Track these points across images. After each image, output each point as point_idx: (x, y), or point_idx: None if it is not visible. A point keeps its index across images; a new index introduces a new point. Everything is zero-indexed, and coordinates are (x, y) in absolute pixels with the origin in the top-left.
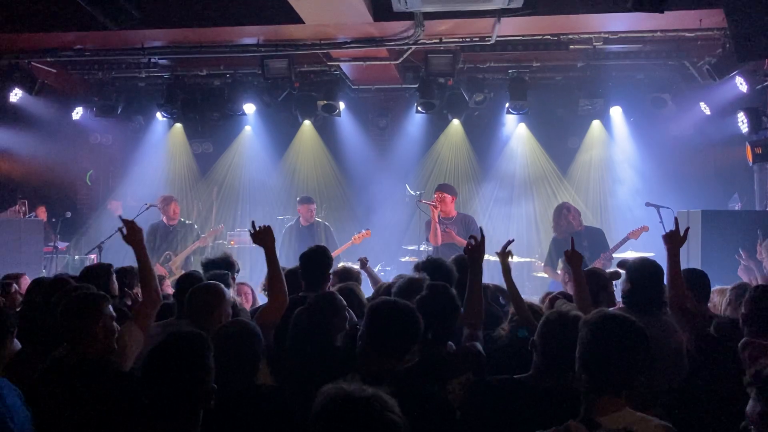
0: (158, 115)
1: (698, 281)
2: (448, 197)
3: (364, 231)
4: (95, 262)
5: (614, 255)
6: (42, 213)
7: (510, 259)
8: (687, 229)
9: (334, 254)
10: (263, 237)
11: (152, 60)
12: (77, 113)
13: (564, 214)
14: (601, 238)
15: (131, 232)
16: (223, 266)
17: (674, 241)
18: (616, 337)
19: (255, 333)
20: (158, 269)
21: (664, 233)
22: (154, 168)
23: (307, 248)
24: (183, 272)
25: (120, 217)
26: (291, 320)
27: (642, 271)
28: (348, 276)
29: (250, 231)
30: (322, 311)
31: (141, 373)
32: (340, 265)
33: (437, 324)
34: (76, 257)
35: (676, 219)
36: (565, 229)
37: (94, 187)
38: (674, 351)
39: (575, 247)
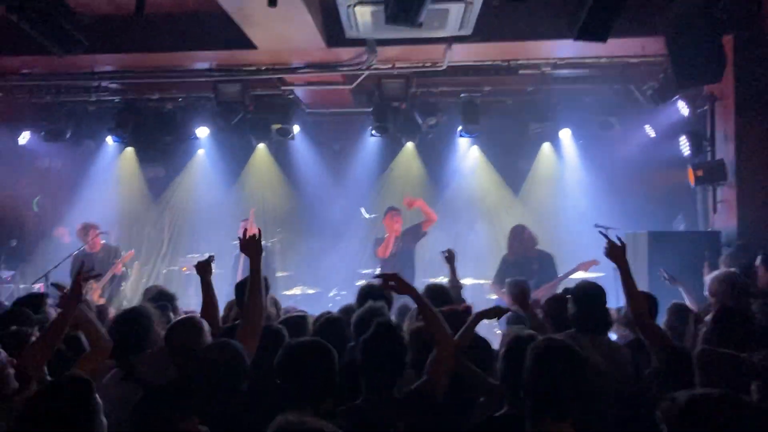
0: (108, 139)
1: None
2: (400, 217)
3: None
4: (41, 291)
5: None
6: None
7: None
8: (623, 244)
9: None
10: (251, 246)
11: (102, 84)
12: (24, 138)
13: (519, 236)
14: (550, 264)
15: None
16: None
17: (615, 255)
18: (557, 363)
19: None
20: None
21: (605, 252)
22: (105, 193)
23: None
24: (105, 302)
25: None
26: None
27: (585, 294)
28: None
29: (239, 238)
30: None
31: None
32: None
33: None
34: (22, 286)
35: (604, 234)
36: (518, 251)
37: (42, 214)
38: (622, 370)
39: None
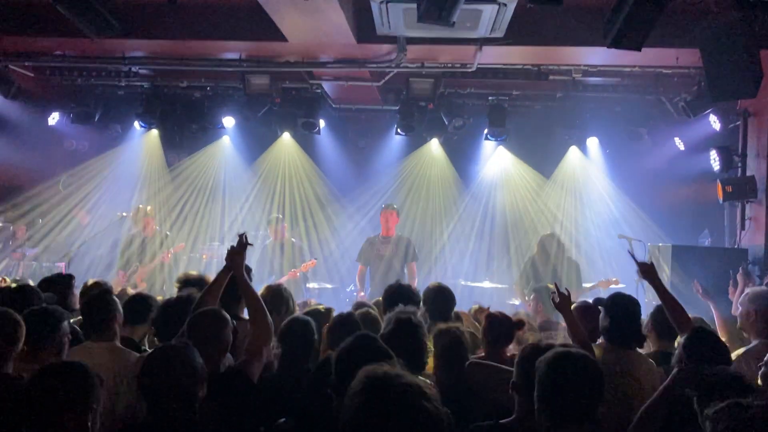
0: (136, 124)
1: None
2: (395, 217)
3: (310, 260)
4: (63, 270)
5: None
6: (21, 232)
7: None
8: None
9: (288, 276)
10: (235, 257)
11: (132, 69)
12: (53, 118)
13: (556, 244)
14: (577, 273)
15: None
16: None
17: (646, 272)
18: (572, 372)
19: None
20: (120, 278)
21: (638, 269)
22: (129, 176)
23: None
24: (144, 285)
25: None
26: None
27: (620, 307)
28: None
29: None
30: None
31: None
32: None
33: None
34: (45, 264)
35: (630, 252)
36: (546, 258)
37: (67, 194)
38: (651, 386)
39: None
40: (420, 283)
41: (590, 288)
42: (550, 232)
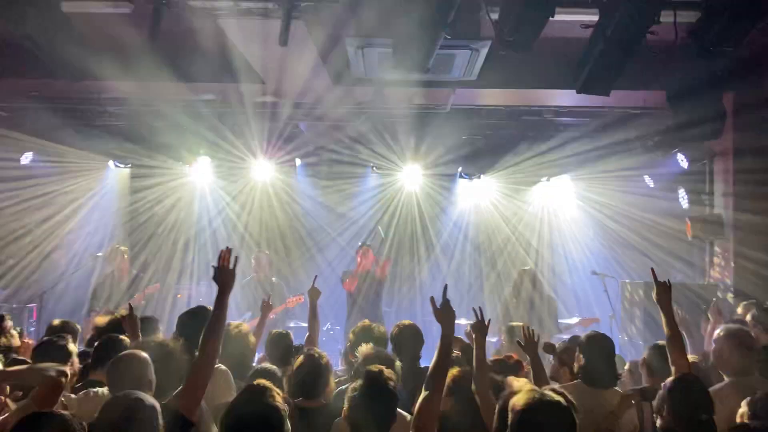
0: (110, 163)
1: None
2: (371, 255)
3: (297, 295)
4: (34, 311)
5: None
6: None
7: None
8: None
9: (273, 312)
10: (224, 276)
11: (108, 109)
12: (26, 158)
13: (533, 281)
14: (552, 310)
15: None
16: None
17: (662, 295)
18: (543, 418)
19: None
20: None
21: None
22: (103, 215)
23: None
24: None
25: None
26: None
27: (594, 346)
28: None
29: (213, 266)
30: None
31: None
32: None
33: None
34: (15, 305)
35: (652, 270)
36: (524, 295)
37: (40, 234)
38: (627, 426)
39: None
40: (397, 319)
41: (573, 326)
42: (526, 268)
